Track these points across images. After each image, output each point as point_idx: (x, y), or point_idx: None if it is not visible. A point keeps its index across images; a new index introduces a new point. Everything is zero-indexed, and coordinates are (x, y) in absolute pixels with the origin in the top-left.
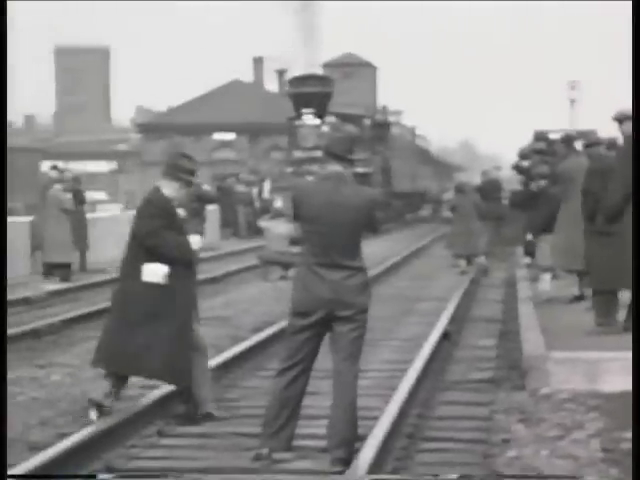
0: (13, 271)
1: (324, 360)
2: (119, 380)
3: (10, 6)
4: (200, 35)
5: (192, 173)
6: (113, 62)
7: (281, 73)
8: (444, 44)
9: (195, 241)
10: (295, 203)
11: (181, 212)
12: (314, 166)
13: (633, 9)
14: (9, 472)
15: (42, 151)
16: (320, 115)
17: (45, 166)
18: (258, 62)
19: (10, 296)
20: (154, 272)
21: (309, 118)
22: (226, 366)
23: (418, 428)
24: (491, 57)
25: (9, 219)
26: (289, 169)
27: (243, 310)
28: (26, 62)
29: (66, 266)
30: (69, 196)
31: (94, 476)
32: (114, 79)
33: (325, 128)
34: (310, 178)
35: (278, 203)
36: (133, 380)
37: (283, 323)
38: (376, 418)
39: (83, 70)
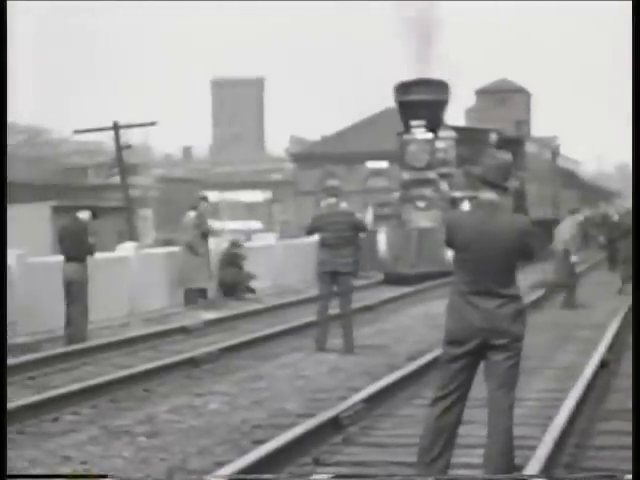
0: (170, 300)
1: (481, 388)
2: None
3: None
4: (352, 64)
5: None
6: (267, 92)
7: None
8: (603, 69)
9: None
10: (448, 231)
11: None
12: (426, 189)
13: (633, 9)
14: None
15: (199, 182)
16: (433, 128)
17: None
18: None
19: (167, 325)
20: None
21: (419, 132)
22: (382, 394)
23: (576, 458)
24: None
25: (166, 250)
26: (396, 193)
27: (397, 338)
28: (183, 94)
29: (202, 291)
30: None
31: (103, 476)
32: (268, 109)
33: (440, 144)
34: (421, 204)
35: (381, 235)
36: (288, 408)
37: (437, 351)
38: (533, 448)
39: (238, 101)
